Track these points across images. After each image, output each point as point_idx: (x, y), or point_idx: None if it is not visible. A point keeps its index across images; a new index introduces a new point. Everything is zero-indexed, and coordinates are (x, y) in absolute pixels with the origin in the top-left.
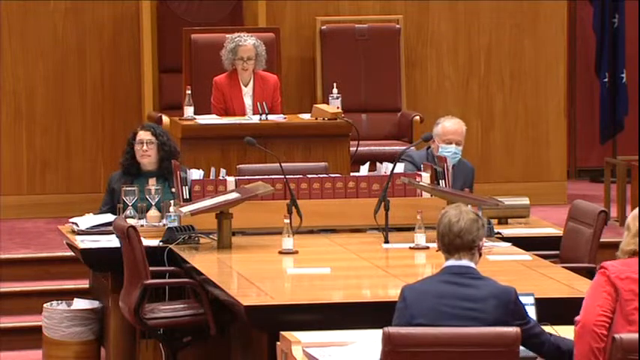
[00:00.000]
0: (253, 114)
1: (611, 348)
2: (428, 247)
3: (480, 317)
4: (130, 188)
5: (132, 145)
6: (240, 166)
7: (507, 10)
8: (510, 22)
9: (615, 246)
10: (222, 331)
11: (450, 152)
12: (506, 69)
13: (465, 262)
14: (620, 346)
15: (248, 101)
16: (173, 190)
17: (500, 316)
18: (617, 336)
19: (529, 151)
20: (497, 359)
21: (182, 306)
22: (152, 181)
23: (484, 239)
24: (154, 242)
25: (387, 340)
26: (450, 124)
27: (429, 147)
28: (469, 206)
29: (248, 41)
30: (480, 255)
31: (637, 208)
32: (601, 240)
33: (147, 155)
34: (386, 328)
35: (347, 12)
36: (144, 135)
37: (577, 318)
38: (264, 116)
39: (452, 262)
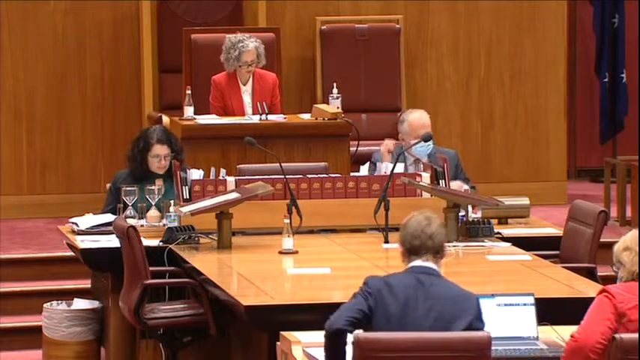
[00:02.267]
0: (252, 112)
1: (610, 348)
2: None
3: (446, 316)
4: (130, 188)
5: (142, 153)
6: (240, 166)
7: (507, 10)
8: (510, 22)
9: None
10: (223, 331)
11: (424, 150)
12: (506, 69)
13: (430, 264)
14: (621, 346)
15: (247, 99)
16: None
17: (464, 315)
18: (617, 336)
19: (529, 151)
20: None
21: (182, 306)
22: (159, 182)
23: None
24: (154, 242)
25: (357, 345)
26: (416, 118)
27: (401, 145)
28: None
29: (250, 45)
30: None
31: (633, 230)
32: (601, 240)
33: (163, 167)
34: (356, 333)
35: (347, 12)
36: (161, 150)
37: (574, 333)
38: (264, 116)
39: (419, 262)
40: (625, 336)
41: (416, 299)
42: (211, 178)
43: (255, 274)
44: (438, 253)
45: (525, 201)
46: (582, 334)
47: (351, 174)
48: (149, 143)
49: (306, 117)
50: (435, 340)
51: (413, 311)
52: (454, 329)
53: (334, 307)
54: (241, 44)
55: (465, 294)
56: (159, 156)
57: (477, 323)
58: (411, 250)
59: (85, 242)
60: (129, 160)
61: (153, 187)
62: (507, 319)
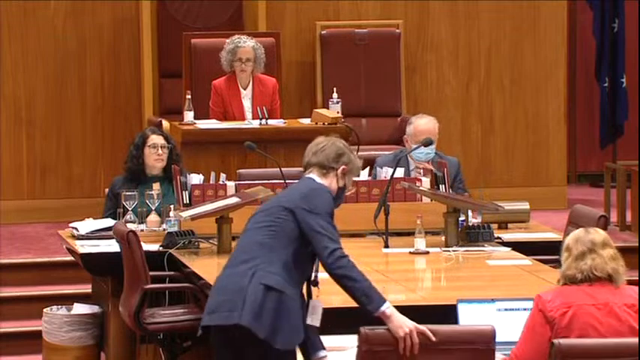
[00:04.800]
0: (252, 117)
1: (549, 354)
2: (428, 252)
3: (283, 199)
4: (130, 193)
5: (140, 149)
6: (240, 170)
7: (507, 14)
8: (510, 26)
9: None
10: None
11: (422, 154)
12: (506, 73)
13: (312, 175)
14: (559, 352)
15: (247, 104)
16: None
17: (292, 203)
18: (556, 341)
19: (529, 156)
20: (473, 356)
21: (182, 311)
22: (156, 186)
23: (345, 167)
24: (154, 247)
25: (365, 340)
26: (421, 123)
27: (402, 149)
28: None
29: (247, 43)
30: (343, 186)
31: (577, 230)
32: None
33: (161, 159)
34: (362, 329)
35: (347, 16)
36: (157, 139)
37: (514, 352)
38: (264, 121)
39: (305, 175)
40: (563, 342)
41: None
42: (211, 182)
43: None
44: (323, 167)
45: (525, 205)
46: (519, 353)
47: None
48: (145, 135)
49: (306, 122)
50: (440, 332)
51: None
52: (279, 207)
53: (333, 311)
54: (238, 40)
55: (312, 190)
56: (156, 145)
57: (300, 212)
58: (304, 168)
59: (85, 247)
60: (126, 162)
61: (152, 192)
62: (508, 323)
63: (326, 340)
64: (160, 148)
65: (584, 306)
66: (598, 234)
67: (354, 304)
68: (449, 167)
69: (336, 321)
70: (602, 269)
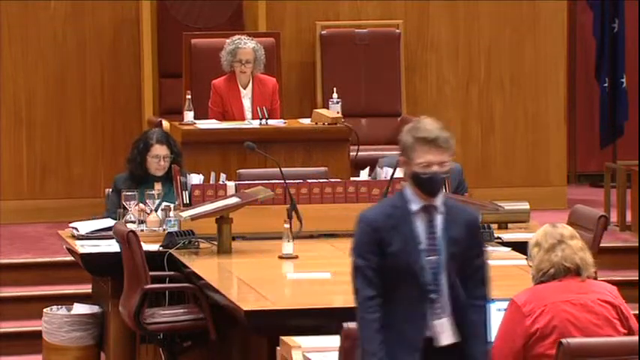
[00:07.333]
0: (252, 117)
1: (557, 353)
2: None
3: None
4: (130, 193)
5: (142, 154)
6: (240, 170)
7: (507, 15)
8: (510, 26)
9: (615, 251)
10: (223, 336)
11: None
12: (506, 74)
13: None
14: (568, 351)
15: (247, 104)
16: None
17: None
18: (564, 341)
19: (529, 156)
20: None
21: (182, 311)
22: (158, 186)
23: (401, 158)
24: (154, 247)
25: (347, 336)
26: None
27: None
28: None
29: (248, 44)
30: (412, 174)
31: (543, 226)
32: (601, 245)
33: (162, 168)
34: (345, 324)
35: (347, 16)
36: (160, 150)
37: (492, 350)
38: (264, 121)
39: None
40: (572, 341)
41: None
42: (211, 182)
43: (255, 279)
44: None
45: (525, 206)
46: (495, 355)
47: (351, 179)
48: (149, 144)
49: (306, 122)
50: None
51: None
52: None
53: (334, 312)
54: (239, 41)
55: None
56: (158, 156)
57: None
58: None
59: (85, 247)
60: (128, 162)
61: (153, 192)
62: None
63: (326, 340)
64: (162, 159)
65: (559, 303)
66: (565, 228)
67: (354, 305)
68: (451, 174)
69: (337, 321)
70: (571, 260)
